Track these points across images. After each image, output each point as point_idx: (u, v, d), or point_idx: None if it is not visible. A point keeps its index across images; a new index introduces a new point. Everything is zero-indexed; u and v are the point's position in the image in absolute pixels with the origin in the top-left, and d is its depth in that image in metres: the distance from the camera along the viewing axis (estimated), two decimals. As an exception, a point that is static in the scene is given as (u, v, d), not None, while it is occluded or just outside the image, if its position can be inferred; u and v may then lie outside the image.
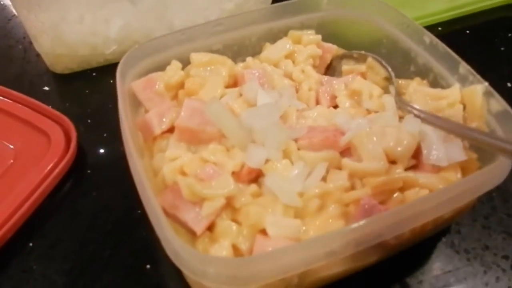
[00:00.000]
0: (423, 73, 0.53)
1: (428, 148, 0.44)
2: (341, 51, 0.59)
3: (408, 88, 0.52)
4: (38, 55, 0.71)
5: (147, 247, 0.51)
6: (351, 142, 0.45)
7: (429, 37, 0.52)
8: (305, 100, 0.52)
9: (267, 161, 0.44)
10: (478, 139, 0.42)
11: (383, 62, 0.55)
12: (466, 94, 0.48)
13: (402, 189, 0.43)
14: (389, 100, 0.50)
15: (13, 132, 0.59)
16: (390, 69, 0.54)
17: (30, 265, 0.50)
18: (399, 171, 0.43)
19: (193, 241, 0.42)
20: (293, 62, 0.56)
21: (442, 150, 0.44)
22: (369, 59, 0.56)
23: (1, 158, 0.57)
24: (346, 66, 0.57)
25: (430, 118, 0.45)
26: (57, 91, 0.69)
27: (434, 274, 0.49)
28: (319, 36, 0.58)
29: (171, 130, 0.48)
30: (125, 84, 0.50)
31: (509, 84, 0.68)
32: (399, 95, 0.51)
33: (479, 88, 0.46)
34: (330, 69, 0.59)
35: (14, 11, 0.80)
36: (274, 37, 0.58)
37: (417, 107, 0.47)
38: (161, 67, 0.52)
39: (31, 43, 0.70)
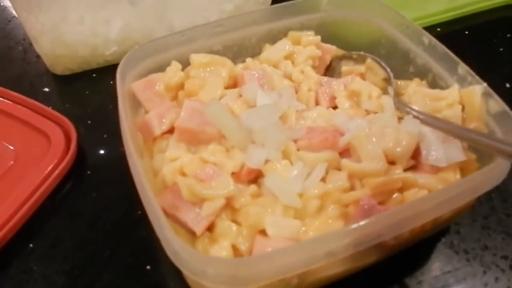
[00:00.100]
0: (422, 73, 0.53)
1: (427, 148, 0.44)
2: (340, 52, 0.59)
3: (407, 88, 0.52)
4: (38, 56, 0.71)
5: (147, 247, 0.51)
6: (351, 143, 0.45)
7: (428, 38, 0.52)
8: (304, 101, 0.52)
9: (266, 161, 0.44)
10: (477, 140, 0.42)
11: (382, 63, 0.55)
12: (465, 95, 0.48)
13: (401, 190, 0.43)
14: (388, 101, 0.50)
15: (13, 133, 0.59)
16: (389, 70, 0.54)
17: (30, 266, 0.50)
18: (398, 172, 0.43)
19: (193, 242, 0.42)
20: (293, 63, 0.56)
21: (441, 150, 0.44)
22: (368, 60, 0.56)
23: (2, 159, 0.57)
24: (345, 67, 0.58)
25: (428, 120, 0.45)
26: (57, 92, 0.69)
27: (433, 274, 0.49)
28: (319, 37, 0.58)
29: (171, 130, 0.48)
30: (125, 85, 0.50)
31: (508, 85, 0.68)
32: (398, 95, 0.51)
33: (478, 88, 0.47)
34: (330, 70, 0.59)
35: (14, 12, 0.80)
36: (274, 38, 0.58)
37: (416, 108, 0.47)
38: (161, 68, 0.53)
39: (31, 44, 0.70)
